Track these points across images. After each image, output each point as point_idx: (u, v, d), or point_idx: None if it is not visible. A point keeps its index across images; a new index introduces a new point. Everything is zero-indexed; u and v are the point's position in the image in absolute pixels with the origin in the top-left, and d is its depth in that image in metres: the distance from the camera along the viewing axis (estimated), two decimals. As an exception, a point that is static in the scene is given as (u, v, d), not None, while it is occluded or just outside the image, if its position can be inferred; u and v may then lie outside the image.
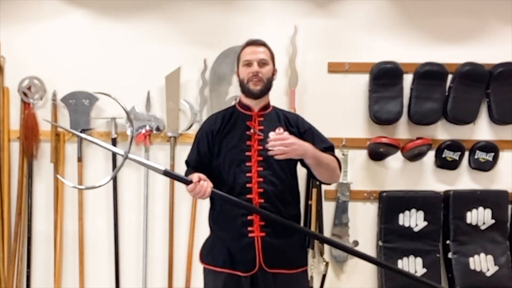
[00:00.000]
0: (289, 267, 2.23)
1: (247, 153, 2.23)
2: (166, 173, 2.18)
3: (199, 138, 2.35)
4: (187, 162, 2.38)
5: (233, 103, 2.97)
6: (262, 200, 2.19)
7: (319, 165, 2.19)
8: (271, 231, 2.19)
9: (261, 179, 2.20)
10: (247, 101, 2.32)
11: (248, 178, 2.20)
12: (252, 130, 2.25)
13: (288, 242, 2.23)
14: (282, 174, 2.23)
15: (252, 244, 2.18)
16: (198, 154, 2.33)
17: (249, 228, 2.19)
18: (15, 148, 3.30)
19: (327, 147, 2.31)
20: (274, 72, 2.33)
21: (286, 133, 2.12)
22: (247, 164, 2.22)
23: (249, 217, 2.19)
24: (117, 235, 3.27)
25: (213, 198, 2.27)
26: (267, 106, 2.35)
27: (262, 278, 2.19)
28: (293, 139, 2.08)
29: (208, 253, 2.30)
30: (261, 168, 2.21)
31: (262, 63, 2.26)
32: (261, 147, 2.22)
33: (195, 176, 2.13)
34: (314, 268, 3.23)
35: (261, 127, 2.27)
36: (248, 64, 2.26)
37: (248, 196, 2.19)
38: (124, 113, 3.19)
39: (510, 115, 3.23)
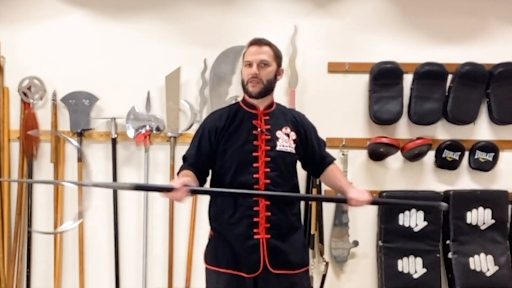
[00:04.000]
0: (293, 267, 2.23)
1: (254, 154, 2.20)
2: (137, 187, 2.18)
3: (201, 134, 2.28)
4: (184, 157, 2.31)
5: (233, 102, 2.98)
6: (268, 202, 2.18)
7: None
8: (276, 233, 2.18)
9: (268, 181, 2.18)
10: (251, 99, 2.28)
11: (255, 179, 2.18)
12: (259, 130, 2.22)
13: (291, 243, 2.24)
14: (287, 175, 2.23)
15: (257, 246, 2.18)
16: (198, 149, 2.26)
17: (255, 230, 2.18)
18: (15, 148, 3.30)
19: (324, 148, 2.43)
20: (278, 72, 2.28)
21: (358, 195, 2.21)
22: (254, 165, 2.19)
23: (255, 219, 2.18)
24: (117, 235, 3.27)
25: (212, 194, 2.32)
26: (271, 104, 2.32)
27: (265, 279, 2.19)
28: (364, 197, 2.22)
29: (212, 255, 2.28)
30: (268, 169, 2.19)
31: (263, 64, 2.20)
32: (268, 147, 2.20)
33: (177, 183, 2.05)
34: (314, 268, 3.23)
35: (268, 126, 2.24)
36: (249, 64, 2.22)
37: (255, 197, 2.18)
38: (125, 113, 3.25)
39: (510, 115, 3.23)
